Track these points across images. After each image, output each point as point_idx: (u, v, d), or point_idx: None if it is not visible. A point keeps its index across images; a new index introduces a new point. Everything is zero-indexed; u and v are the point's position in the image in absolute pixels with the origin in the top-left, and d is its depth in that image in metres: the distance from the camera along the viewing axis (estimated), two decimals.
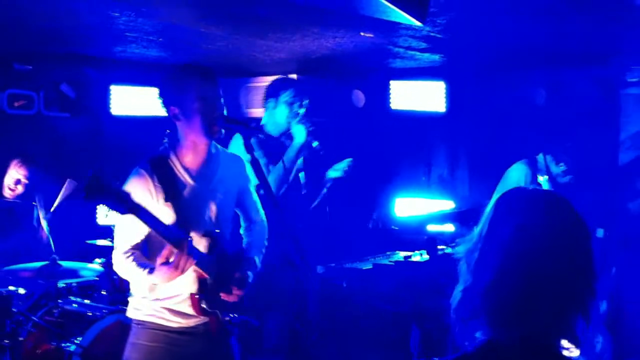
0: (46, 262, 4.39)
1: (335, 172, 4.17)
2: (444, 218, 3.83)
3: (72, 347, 4.05)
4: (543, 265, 1.42)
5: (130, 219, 2.66)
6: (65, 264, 4.42)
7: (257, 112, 6.38)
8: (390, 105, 5.99)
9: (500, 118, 5.90)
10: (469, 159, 6.20)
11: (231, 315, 2.98)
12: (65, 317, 4.24)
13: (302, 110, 4.02)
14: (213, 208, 2.96)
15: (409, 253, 4.19)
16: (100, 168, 2.60)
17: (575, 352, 1.47)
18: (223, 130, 2.89)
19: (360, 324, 3.92)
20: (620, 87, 5.59)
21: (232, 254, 3.02)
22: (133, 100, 6.00)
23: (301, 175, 4.26)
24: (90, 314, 4.18)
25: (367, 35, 4.36)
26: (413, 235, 4.02)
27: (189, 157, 2.92)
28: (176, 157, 2.92)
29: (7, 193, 4.95)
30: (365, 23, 4.03)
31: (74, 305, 4.35)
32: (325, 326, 3.83)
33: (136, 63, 5.74)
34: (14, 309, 4.24)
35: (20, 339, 4.20)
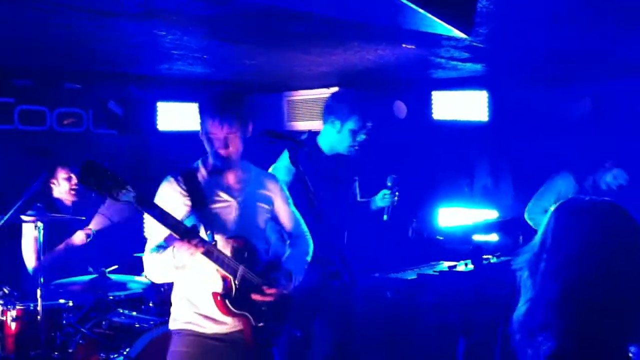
0: (95, 275, 4.49)
1: (382, 201, 4.03)
2: (489, 227, 3.80)
3: (120, 359, 4.13)
4: (614, 277, 1.45)
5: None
6: (114, 277, 4.51)
7: (299, 124, 6.45)
8: (433, 115, 5.97)
9: (543, 128, 5.83)
10: (512, 168, 6.14)
11: (266, 322, 3.06)
12: (113, 330, 4.33)
13: (361, 138, 3.88)
14: (238, 218, 3.10)
15: (453, 263, 4.16)
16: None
17: None
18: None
19: (405, 335, 3.90)
20: None
21: (266, 261, 3.15)
22: (179, 116, 6.13)
23: (355, 185, 4.22)
24: (137, 325, 4.25)
25: (409, 47, 4.37)
26: (456, 245, 3.99)
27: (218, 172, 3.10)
28: (205, 170, 3.12)
29: (71, 195, 5.04)
30: (407, 35, 4.04)
31: (122, 317, 4.43)
32: (370, 337, 3.82)
33: (181, 80, 5.87)
34: (63, 322, 4.36)
35: (70, 350, 4.31)
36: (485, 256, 3.91)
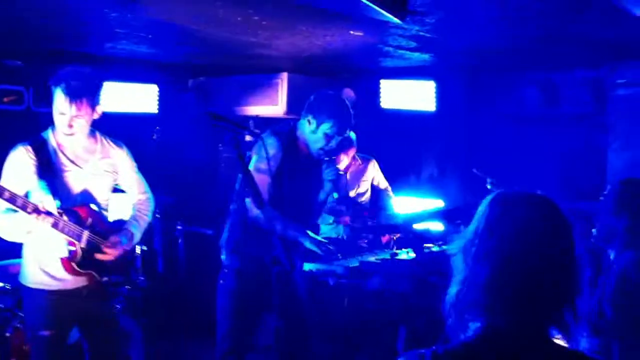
0: None
1: (328, 175, 4.03)
2: (431, 216, 3.84)
3: None
4: (539, 261, 1.57)
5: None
6: None
7: (247, 109, 6.40)
8: (381, 104, 5.99)
9: (489, 118, 5.92)
10: (459, 158, 6.21)
11: (110, 276, 3.45)
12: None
13: (333, 144, 3.86)
14: (83, 186, 3.42)
15: (396, 251, 4.19)
16: None
17: (563, 343, 1.61)
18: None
19: (347, 322, 3.92)
20: (609, 89, 5.61)
21: (109, 224, 3.51)
22: (122, 97, 6.02)
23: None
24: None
25: (357, 33, 4.36)
26: (400, 233, 4.02)
27: (66, 142, 3.40)
28: (54, 140, 3.41)
29: None
30: (354, 21, 4.03)
31: None
32: (312, 324, 3.82)
33: (126, 60, 5.74)
34: (0, 305, 4.24)
35: (7, 334, 4.20)
36: (426, 245, 3.96)
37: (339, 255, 4.02)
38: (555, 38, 4.51)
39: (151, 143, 6.21)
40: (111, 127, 5.61)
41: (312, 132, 3.82)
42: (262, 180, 3.58)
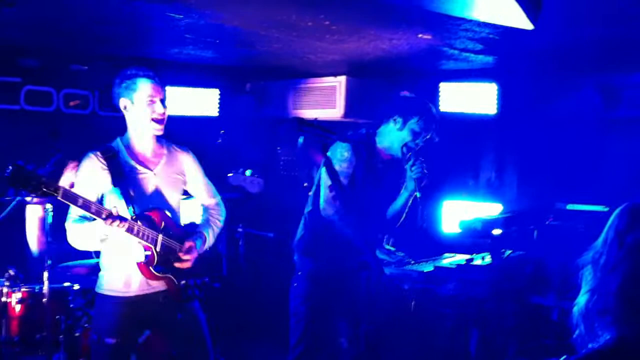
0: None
1: (414, 174, 3.93)
2: (507, 221, 3.79)
3: None
4: None
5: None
6: None
7: (304, 112, 6.42)
8: (440, 107, 5.95)
9: (552, 122, 5.83)
10: (518, 162, 6.13)
11: (187, 280, 3.47)
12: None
13: (420, 142, 3.87)
14: (155, 191, 3.47)
15: (469, 256, 4.15)
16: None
17: None
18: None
19: (420, 326, 3.91)
20: None
21: (182, 227, 3.56)
22: (186, 101, 6.12)
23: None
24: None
25: (425, 36, 4.34)
26: (475, 238, 3.98)
27: (137, 147, 3.49)
28: (124, 146, 3.49)
29: None
30: (424, 24, 4.02)
31: None
32: (386, 328, 3.82)
33: (190, 65, 5.82)
34: (70, 305, 4.34)
35: (76, 334, 4.30)
36: (503, 250, 3.92)
37: (411, 261, 4.00)
38: (618, 40, 4.43)
39: (212, 145, 6.28)
40: (174, 130, 5.76)
41: (399, 130, 3.83)
42: (342, 181, 3.59)
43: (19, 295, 4.23)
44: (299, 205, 4.09)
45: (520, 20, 3.17)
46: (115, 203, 3.30)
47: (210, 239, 3.63)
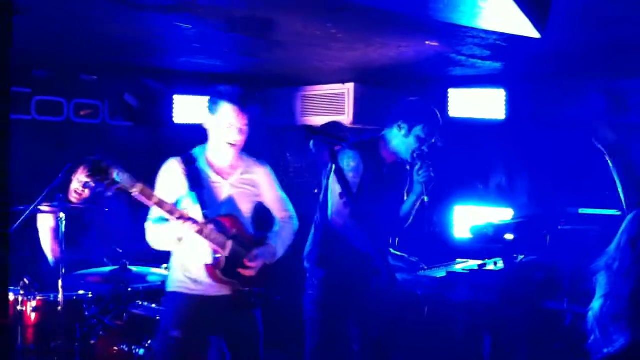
0: (116, 267, 4.50)
1: (419, 177, 3.94)
2: (519, 226, 3.80)
3: (142, 351, 4.15)
4: None
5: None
6: (134, 268, 4.52)
7: (313, 120, 6.44)
8: (449, 113, 5.97)
9: (560, 127, 5.84)
10: (528, 167, 6.14)
11: (251, 287, 3.53)
12: (134, 321, 4.34)
13: (426, 148, 3.89)
14: (228, 199, 3.57)
15: (482, 262, 4.17)
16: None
17: None
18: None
19: (433, 332, 3.92)
20: None
21: (252, 236, 3.62)
22: (195, 109, 6.15)
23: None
24: (158, 318, 4.26)
25: (432, 44, 4.37)
26: (487, 243, 3.99)
27: (215, 158, 3.62)
28: (203, 156, 3.62)
29: (74, 197, 5.06)
30: (431, 31, 4.04)
31: (142, 309, 4.44)
32: (398, 333, 3.84)
33: (198, 73, 5.87)
34: (85, 313, 4.36)
35: (92, 342, 4.32)
36: (515, 255, 3.93)
37: (423, 266, 4.01)
38: (625, 46, 4.45)
39: None
40: (185, 138, 5.79)
41: (404, 137, 3.85)
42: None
43: (34, 303, 4.26)
44: (310, 211, 4.11)
45: (527, 29, 3.19)
46: (190, 207, 3.47)
47: (279, 251, 3.69)
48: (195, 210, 3.44)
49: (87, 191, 5.08)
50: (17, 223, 4.22)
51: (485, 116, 5.84)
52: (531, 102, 5.83)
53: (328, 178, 3.87)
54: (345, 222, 3.68)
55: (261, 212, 3.77)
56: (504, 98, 5.72)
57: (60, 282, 4.16)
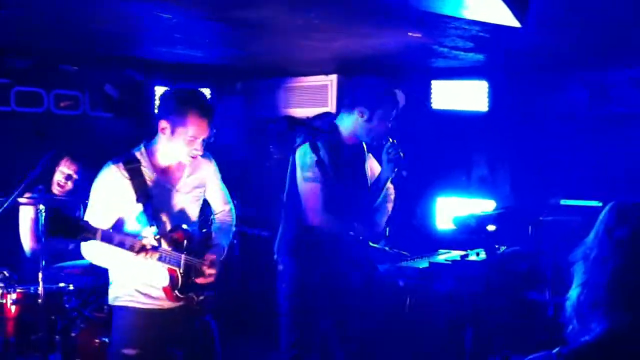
0: None
1: (388, 156, 3.92)
2: (500, 217, 3.81)
3: None
4: None
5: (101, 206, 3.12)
6: None
7: (296, 111, 6.42)
8: (432, 105, 5.98)
9: (542, 119, 5.87)
10: (510, 158, 6.16)
11: (204, 294, 3.32)
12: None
13: (389, 126, 3.87)
14: (178, 206, 3.30)
15: (464, 252, 4.18)
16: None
17: None
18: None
19: (416, 322, 3.93)
20: None
21: (199, 238, 3.37)
22: None
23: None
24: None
25: (415, 35, 4.36)
26: (469, 234, 4.00)
27: (162, 160, 3.26)
28: (148, 159, 3.23)
29: (56, 189, 5.03)
30: (413, 23, 4.03)
31: None
32: (380, 324, 3.84)
33: (179, 64, 5.82)
34: (65, 305, 4.33)
35: (72, 334, 4.29)
36: (497, 246, 3.95)
37: (406, 256, 4.01)
38: (605, 38, 4.47)
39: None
40: None
41: (367, 121, 3.80)
42: (314, 188, 3.60)
43: (13, 296, 4.21)
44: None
45: (507, 19, 3.19)
46: (137, 220, 3.17)
47: (226, 248, 3.50)
48: (146, 231, 3.15)
49: (69, 183, 5.05)
50: None
51: (468, 108, 5.85)
52: (514, 94, 5.85)
53: (295, 170, 3.77)
54: (322, 216, 3.62)
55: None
56: (487, 90, 5.74)
57: (40, 275, 4.12)
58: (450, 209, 5.77)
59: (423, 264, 4.00)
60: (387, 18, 3.92)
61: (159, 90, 6.00)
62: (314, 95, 6.34)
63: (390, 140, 3.85)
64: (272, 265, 3.93)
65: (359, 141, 3.96)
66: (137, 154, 3.23)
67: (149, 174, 3.19)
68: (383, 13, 3.75)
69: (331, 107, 6.18)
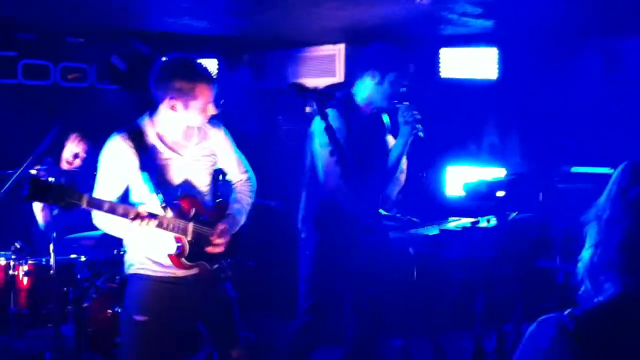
0: None
1: (404, 117, 3.91)
2: (511, 183, 3.80)
3: None
4: None
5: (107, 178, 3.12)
6: None
7: (304, 82, 6.38)
8: (440, 73, 5.92)
9: (553, 86, 5.80)
10: (520, 126, 6.12)
11: (220, 262, 3.30)
12: (126, 284, 4.31)
13: (403, 90, 3.87)
14: (184, 174, 3.27)
15: (474, 219, 4.17)
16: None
17: None
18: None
19: (427, 289, 3.93)
20: None
21: (212, 207, 3.36)
22: None
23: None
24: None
25: (423, 2, 4.31)
26: (480, 200, 3.98)
27: (166, 130, 3.24)
28: (152, 128, 3.21)
29: (65, 166, 5.03)
30: None
31: None
32: (392, 291, 3.85)
33: (186, 35, 5.78)
34: (77, 276, 4.36)
35: (85, 305, 4.32)
36: (508, 212, 3.93)
37: (416, 220, 4.03)
38: (619, 3, 4.40)
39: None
40: None
41: (379, 85, 3.83)
42: (326, 153, 3.57)
43: (25, 268, 4.24)
44: (302, 173, 4.09)
45: None
46: (143, 192, 3.15)
47: (242, 219, 3.44)
48: (150, 198, 3.12)
49: (77, 161, 5.04)
50: (6, 187, 4.18)
51: (478, 76, 5.79)
52: (524, 62, 5.78)
53: (312, 139, 3.81)
54: (337, 182, 3.63)
55: (217, 177, 3.53)
56: (497, 57, 5.67)
57: (51, 246, 4.13)
58: (461, 177, 5.75)
59: (433, 231, 3.99)
60: None
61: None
62: (321, 65, 6.30)
63: (405, 102, 3.84)
64: (280, 236, 3.94)
65: (376, 111, 3.97)
66: (142, 124, 3.22)
67: (153, 143, 3.19)
68: None
69: (339, 77, 6.14)
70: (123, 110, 6.02)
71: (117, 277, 4.33)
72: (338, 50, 6.17)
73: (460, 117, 6.15)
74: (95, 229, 4.56)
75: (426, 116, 5.81)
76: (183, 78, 3.11)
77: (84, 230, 4.63)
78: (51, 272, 4.16)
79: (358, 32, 5.63)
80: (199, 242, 3.22)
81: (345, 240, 3.73)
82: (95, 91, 5.91)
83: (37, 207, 4.87)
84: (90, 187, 5.00)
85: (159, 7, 4.80)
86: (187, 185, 3.27)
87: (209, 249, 3.24)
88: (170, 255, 3.19)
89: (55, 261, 4.15)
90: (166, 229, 3.09)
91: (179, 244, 3.18)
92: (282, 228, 5.17)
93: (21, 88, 5.50)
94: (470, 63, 5.80)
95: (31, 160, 4.20)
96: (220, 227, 3.27)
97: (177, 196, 3.20)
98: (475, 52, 5.77)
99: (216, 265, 3.31)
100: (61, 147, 5.01)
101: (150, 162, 3.14)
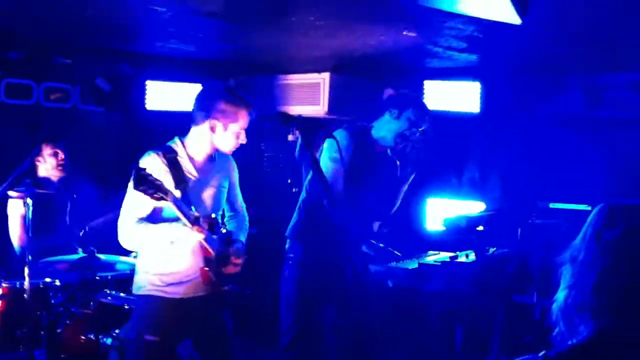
0: (84, 255, 4.42)
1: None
2: (492, 219, 3.82)
3: (109, 340, 4.08)
4: None
5: (141, 197, 3.09)
6: (102, 256, 4.44)
7: (288, 109, 6.39)
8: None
9: (535, 121, 5.86)
10: (501, 161, 6.15)
11: (228, 285, 3.44)
12: (101, 310, 4.27)
13: (416, 132, 4.02)
14: (209, 197, 3.44)
15: (453, 253, 4.18)
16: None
17: None
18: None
19: (405, 323, 3.93)
20: None
21: (224, 235, 3.49)
22: (168, 96, 6.04)
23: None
24: (127, 307, 4.19)
25: (410, 34, 4.34)
26: (460, 235, 4.01)
27: (195, 154, 3.42)
28: (184, 151, 3.39)
29: (58, 171, 4.96)
30: (410, 21, 4.02)
31: (109, 298, 4.36)
32: (372, 324, 3.85)
33: (172, 59, 5.78)
34: (52, 301, 4.29)
35: (58, 330, 4.25)
36: (487, 247, 3.95)
37: (399, 255, 4.06)
38: (602, 40, 4.46)
39: None
40: (157, 125, 5.71)
41: (395, 119, 3.97)
42: (337, 171, 3.71)
43: None
44: (283, 201, 4.11)
45: (508, 14, 3.18)
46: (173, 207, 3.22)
47: (244, 245, 3.62)
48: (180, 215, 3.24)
49: (59, 159, 4.98)
50: None
51: (461, 109, 5.83)
52: (506, 96, 5.83)
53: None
54: (334, 203, 3.68)
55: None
56: (479, 91, 5.72)
57: (26, 269, 4.07)
58: (441, 210, 5.76)
59: (412, 264, 4.00)
60: (381, 14, 3.90)
61: (151, 84, 5.95)
62: (306, 93, 6.30)
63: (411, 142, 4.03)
64: (260, 261, 3.97)
65: (386, 150, 4.11)
66: (173, 146, 3.39)
67: (184, 164, 3.34)
68: (376, 9, 3.72)
69: (323, 106, 6.14)
70: (106, 132, 6.00)
71: (91, 303, 4.28)
72: (323, 79, 6.18)
73: (442, 150, 6.18)
74: (71, 252, 4.56)
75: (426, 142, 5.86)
76: (228, 101, 3.32)
77: (60, 254, 4.57)
78: (25, 295, 4.10)
79: (345, 61, 5.66)
80: (219, 262, 3.37)
81: (327, 262, 3.79)
82: (78, 112, 5.86)
83: (14, 230, 4.81)
84: (64, 212, 5.01)
85: (146, 30, 4.80)
86: (210, 207, 3.44)
87: (229, 269, 3.38)
88: (201, 268, 3.32)
89: (30, 284, 4.09)
90: (206, 241, 3.24)
91: (208, 259, 3.32)
92: (260, 254, 5.15)
93: (3, 107, 5.46)
94: (454, 96, 5.85)
95: (9, 181, 4.16)
96: (235, 249, 3.44)
97: (205, 215, 3.32)
98: (458, 85, 5.82)
99: (226, 287, 3.42)
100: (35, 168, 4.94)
101: (183, 180, 3.28)
